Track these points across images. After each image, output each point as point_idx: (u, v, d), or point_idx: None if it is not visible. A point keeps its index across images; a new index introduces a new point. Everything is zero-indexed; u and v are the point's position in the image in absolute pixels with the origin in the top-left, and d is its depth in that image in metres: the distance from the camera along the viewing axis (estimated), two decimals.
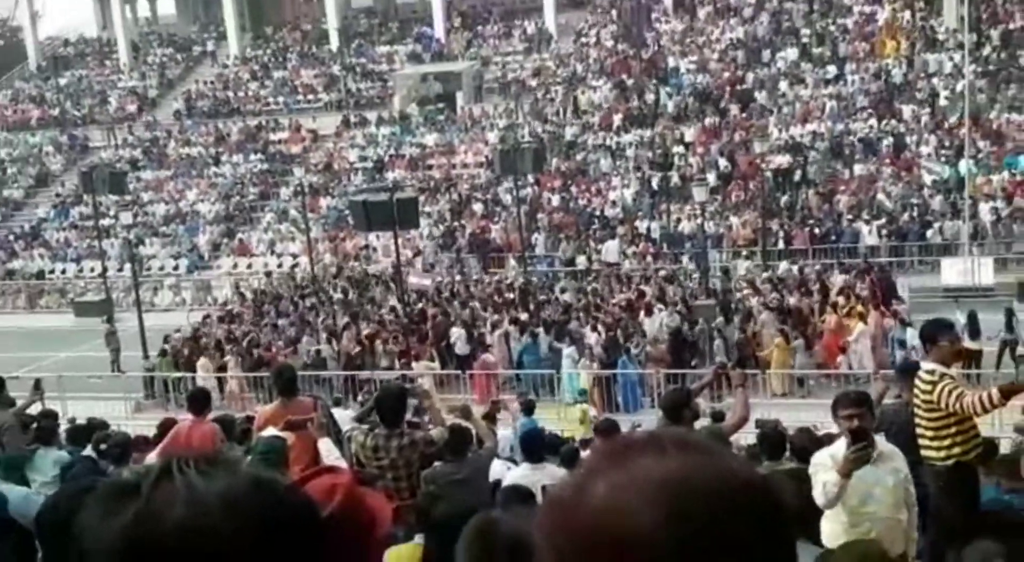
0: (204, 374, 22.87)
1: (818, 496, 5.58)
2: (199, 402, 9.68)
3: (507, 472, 8.91)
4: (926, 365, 7.11)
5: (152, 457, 9.29)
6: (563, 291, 27.94)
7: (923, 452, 7.03)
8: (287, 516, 1.20)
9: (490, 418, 14.01)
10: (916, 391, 7.05)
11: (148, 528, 1.11)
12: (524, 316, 24.70)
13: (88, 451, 9.61)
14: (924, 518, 6.81)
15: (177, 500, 1.13)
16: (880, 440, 6.34)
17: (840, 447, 5.85)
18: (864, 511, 5.78)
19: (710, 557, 1.02)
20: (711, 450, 1.10)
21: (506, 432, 13.65)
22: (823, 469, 5.73)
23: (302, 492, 1.29)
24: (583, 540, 1.05)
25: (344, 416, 9.43)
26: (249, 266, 37.33)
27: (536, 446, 8.65)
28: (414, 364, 22.03)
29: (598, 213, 35.47)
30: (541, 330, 23.33)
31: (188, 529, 1.11)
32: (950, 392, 6.73)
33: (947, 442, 6.90)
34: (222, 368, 23.52)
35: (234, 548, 1.13)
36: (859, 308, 22.91)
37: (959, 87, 35.45)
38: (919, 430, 7.08)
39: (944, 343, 7.11)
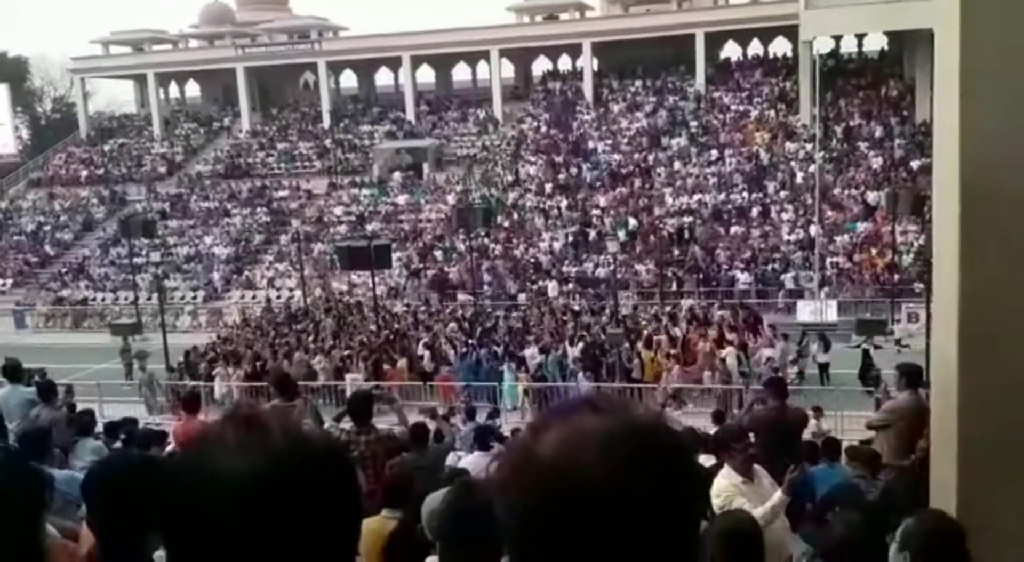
0: (221, 382, 22.45)
1: (766, 515, 5.02)
2: (191, 403, 9.57)
3: (459, 459, 8.80)
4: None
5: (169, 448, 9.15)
6: (507, 319, 27.75)
7: None
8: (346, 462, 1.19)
9: (446, 419, 13.93)
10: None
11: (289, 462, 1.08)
12: (471, 340, 24.54)
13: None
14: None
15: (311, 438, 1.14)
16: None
17: (727, 475, 5.38)
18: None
19: (641, 485, 1.01)
20: (630, 406, 1.11)
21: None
22: (739, 494, 5.21)
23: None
24: (541, 483, 1.02)
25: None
26: (254, 297, 36.77)
27: (486, 437, 8.59)
28: (347, 375, 21.97)
29: (533, 260, 35.55)
30: (483, 351, 23.19)
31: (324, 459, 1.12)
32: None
33: None
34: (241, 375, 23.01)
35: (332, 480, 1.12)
36: (729, 336, 23.10)
37: (811, 169, 36.22)
38: None
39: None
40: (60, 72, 63.00)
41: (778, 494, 5.32)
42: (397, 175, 44.92)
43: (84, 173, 50.94)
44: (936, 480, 4.00)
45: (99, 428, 11.30)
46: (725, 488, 5.31)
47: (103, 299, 38.88)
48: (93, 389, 20.98)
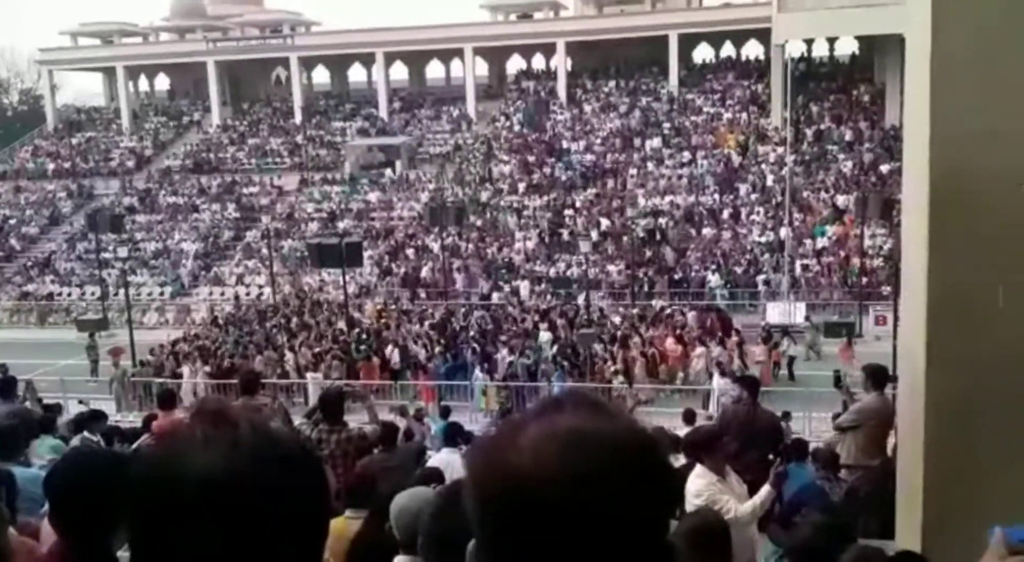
0: (188, 379, 22.23)
1: (755, 511, 5.12)
2: (166, 400, 9.50)
3: (430, 456, 8.80)
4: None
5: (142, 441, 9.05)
6: (481, 318, 27.71)
7: None
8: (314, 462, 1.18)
9: (418, 418, 13.93)
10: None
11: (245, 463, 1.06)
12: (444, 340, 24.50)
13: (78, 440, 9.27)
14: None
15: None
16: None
17: (703, 474, 5.40)
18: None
19: (601, 489, 0.99)
20: (604, 407, 1.09)
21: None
22: (719, 491, 5.24)
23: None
24: (501, 478, 1.02)
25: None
26: (222, 294, 36.43)
27: (454, 435, 8.60)
28: (308, 374, 21.89)
29: (505, 260, 35.52)
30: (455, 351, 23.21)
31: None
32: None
33: None
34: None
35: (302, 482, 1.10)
36: (698, 337, 23.31)
37: (782, 172, 36.51)
38: None
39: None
40: (27, 63, 62.14)
41: (765, 488, 5.37)
42: (388, 172, 44.62)
43: (51, 166, 50.20)
44: (903, 481, 4.04)
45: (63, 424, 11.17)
46: (704, 487, 5.33)
47: (69, 294, 38.36)
48: (58, 385, 20.69)
